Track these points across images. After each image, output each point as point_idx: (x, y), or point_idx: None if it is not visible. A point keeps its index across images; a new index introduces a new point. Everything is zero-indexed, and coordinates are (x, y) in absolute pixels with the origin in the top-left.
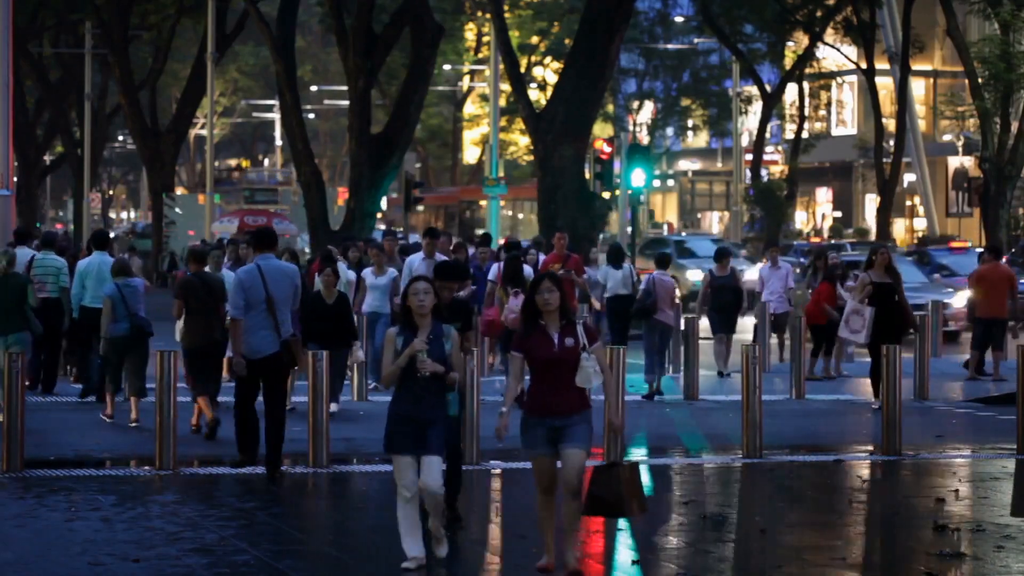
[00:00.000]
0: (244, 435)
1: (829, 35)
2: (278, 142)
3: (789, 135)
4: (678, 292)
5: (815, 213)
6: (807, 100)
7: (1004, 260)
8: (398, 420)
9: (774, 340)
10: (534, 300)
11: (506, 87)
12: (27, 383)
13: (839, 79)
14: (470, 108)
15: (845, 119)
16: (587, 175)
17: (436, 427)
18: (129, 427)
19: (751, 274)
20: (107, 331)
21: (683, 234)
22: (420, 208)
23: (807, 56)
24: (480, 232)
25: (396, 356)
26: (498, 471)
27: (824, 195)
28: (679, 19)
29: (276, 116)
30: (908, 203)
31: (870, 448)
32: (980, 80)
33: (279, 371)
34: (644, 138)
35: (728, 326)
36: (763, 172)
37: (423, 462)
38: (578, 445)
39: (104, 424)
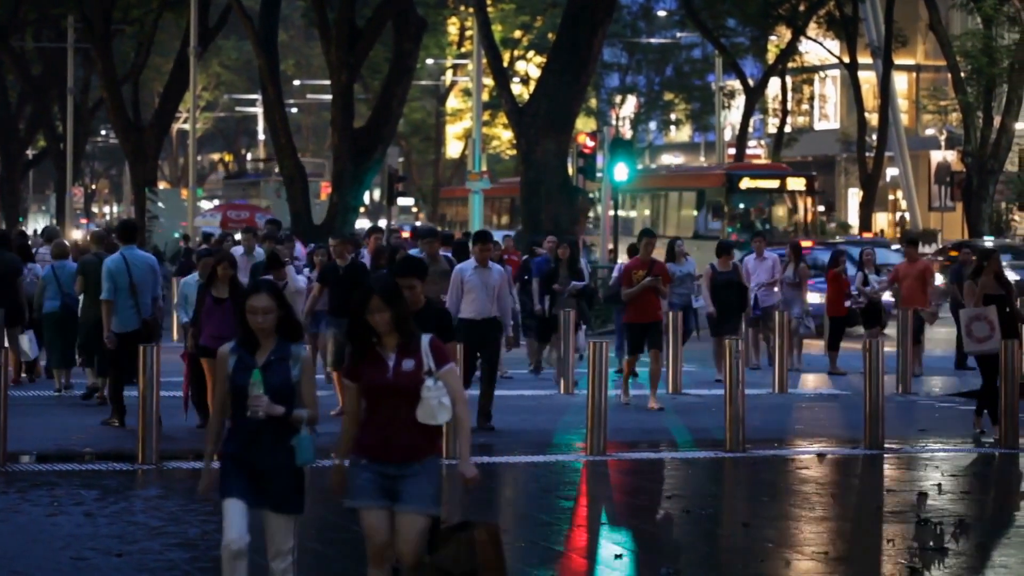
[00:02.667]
0: (118, 401)
1: (812, 29)
2: (261, 136)
3: (772, 129)
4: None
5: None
6: (790, 94)
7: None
8: (229, 462)
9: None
10: (363, 318)
11: (489, 81)
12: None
13: (822, 73)
14: (453, 102)
15: (828, 113)
16: (570, 169)
17: (279, 480)
18: (115, 425)
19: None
20: (41, 308)
21: None
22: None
23: (790, 50)
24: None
25: (228, 381)
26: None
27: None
28: (662, 13)
29: (259, 110)
30: (891, 197)
31: (853, 442)
32: (962, 74)
33: (137, 345)
34: (627, 132)
35: (731, 326)
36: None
37: (267, 522)
38: (415, 507)
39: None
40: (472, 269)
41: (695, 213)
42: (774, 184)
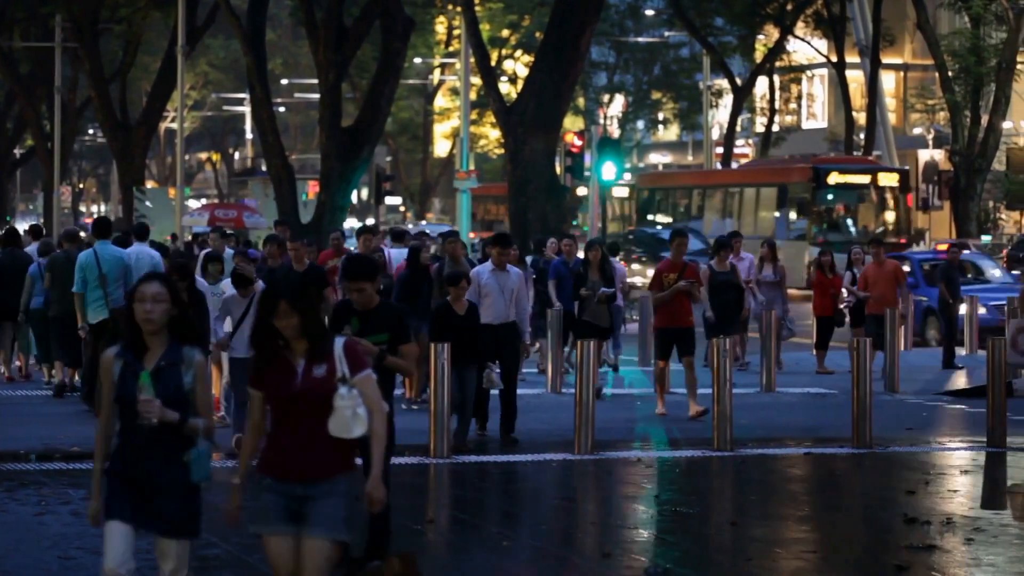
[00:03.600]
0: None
1: (799, 28)
2: (248, 135)
3: (760, 128)
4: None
5: None
6: (777, 93)
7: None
8: (114, 480)
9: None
10: (267, 322)
11: (477, 80)
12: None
13: (809, 72)
14: (441, 101)
15: (815, 112)
16: (558, 168)
17: (170, 500)
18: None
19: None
20: (26, 304)
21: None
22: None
23: (777, 49)
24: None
25: (113, 389)
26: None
27: None
28: (650, 12)
29: (247, 109)
30: None
31: (840, 441)
32: (950, 73)
33: (105, 334)
34: (615, 131)
35: (728, 328)
36: (733, 165)
37: (158, 546)
38: (323, 531)
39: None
40: (489, 272)
41: (775, 212)
42: (864, 179)
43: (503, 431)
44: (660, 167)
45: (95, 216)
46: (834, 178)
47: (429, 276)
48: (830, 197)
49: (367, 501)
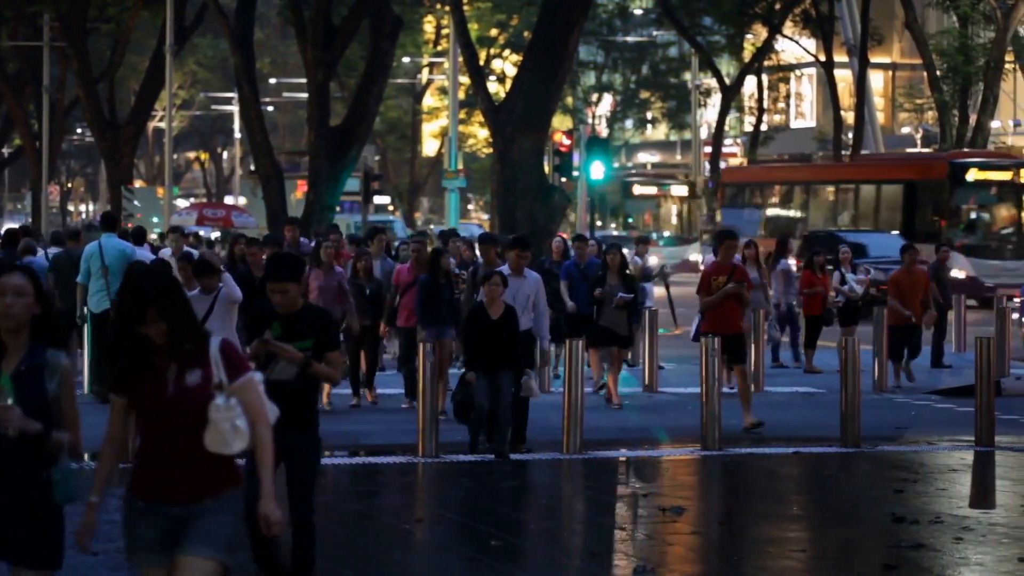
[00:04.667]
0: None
1: (788, 28)
2: (237, 135)
3: (748, 127)
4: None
5: None
6: (766, 93)
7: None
8: None
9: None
10: (132, 328)
11: (465, 80)
12: None
13: (798, 72)
14: (429, 101)
15: (804, 111)
16: (546, 168)
17: (27, 523)
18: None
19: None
20: None
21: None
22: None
23: (766, 49)
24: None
25: None
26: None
27: None
28: (638, 12)
29: (235, 109)
30: None
31: (829, 440)
32: (938, 73)
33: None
34: (603, 131)
35: None
36: (722, 164)
37: None
38: (204, 551)
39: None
40: (507, 278)
41: (902, 211)
42: (1005, 176)
43: (515, 437)
44: (648, 166)
45: (83, 215)
46: (973, 174)
47: (451, 281)
48: (968, 195)
49: (263, 524)
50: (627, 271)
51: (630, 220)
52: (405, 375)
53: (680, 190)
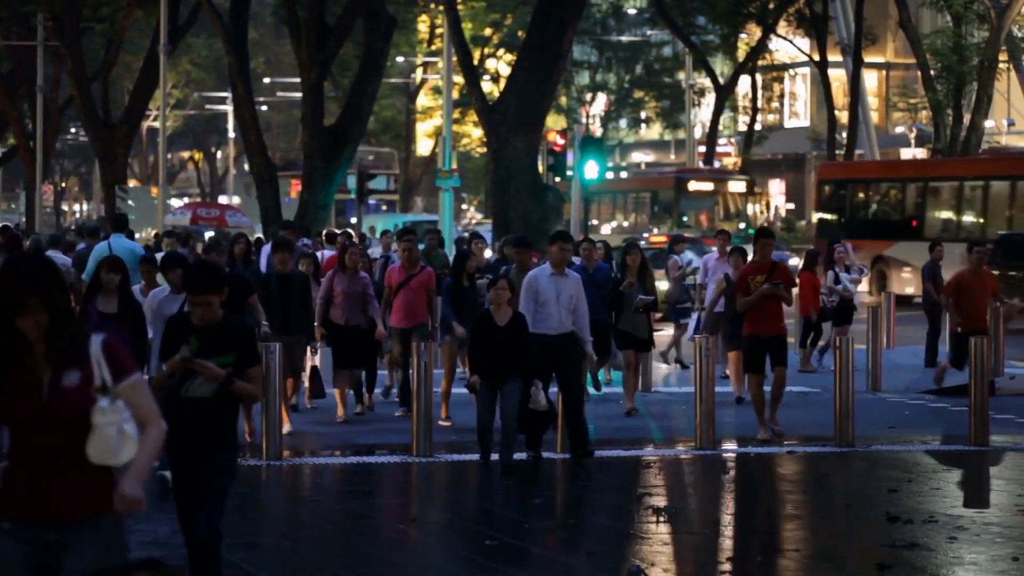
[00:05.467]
0: None
1: (782, 27)
2: (231, 134)
3: (742, 127)
4: None
5: (768, 205)
6: (760, 92)
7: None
8: None
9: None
10: (4, 320)
11: (459, 79)
12: None
13: (792, 71)
14: (423, 100)
15: (798, 111)
16: (540, 167)
17: None
18: None
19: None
20: None
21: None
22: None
23: (760, 48)
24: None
25: None
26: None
27: (777, 187)
28: (632, 11)
29: (229, 108)
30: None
31: (823, 439)
32: (932, 72)
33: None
34: (597, 130)
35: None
36: (716, 164)
37: None
38: None
39: None
40: (548, 276)
41: None
42: None
43: (574, 450)
44: (643, 166)
45: (77, 215)
46: None
47: (475, 284)
48: None
49: (117, 500)
50: (646, 272)
51: (684, 219)
52: (401, 380)
53: (737, 186)
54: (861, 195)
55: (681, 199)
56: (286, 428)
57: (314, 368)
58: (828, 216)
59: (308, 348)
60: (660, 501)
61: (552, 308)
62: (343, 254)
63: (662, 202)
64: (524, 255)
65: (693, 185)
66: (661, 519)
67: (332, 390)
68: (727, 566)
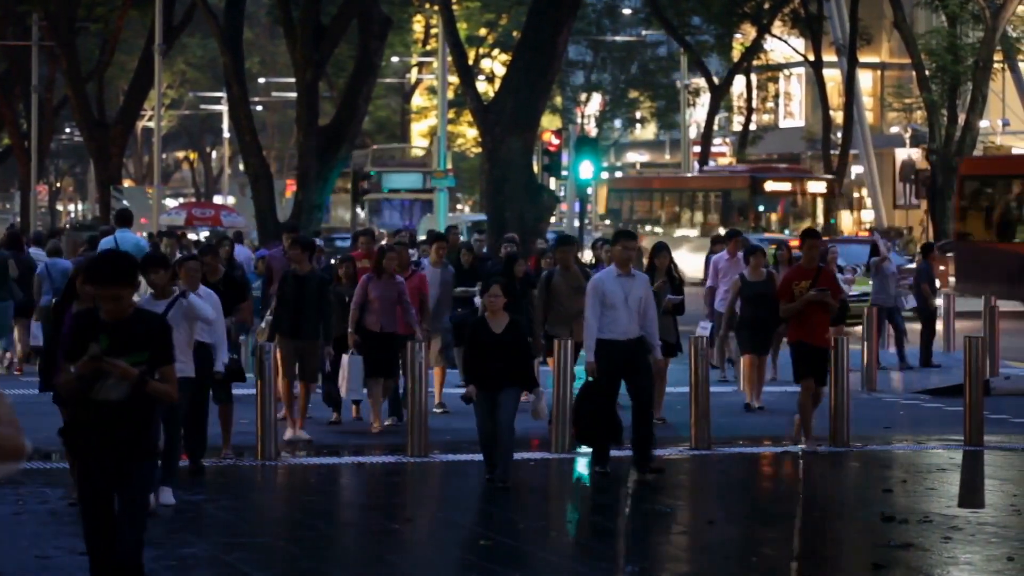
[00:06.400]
0: None
1: (777, 27)
2: (226, 134)
3: (737, 127)
4: None
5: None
6: (755, 92)
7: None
8: None
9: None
10: None
11: (454, 79)
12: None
13: (787, 71)
14: (418, 100)
15: (793, 111)
16: (535, 167)
17: None
18: None
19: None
20: (38, 301)
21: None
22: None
23: (755, 48)
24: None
25: None
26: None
27: None
28: (627, 11)
29: (224, 108)
30: (856, 195)
31: (818, 439)
32: (927, 72)
33: None
34: (592, 130)
35: (762, 345)
36: (711, 164)
37: None
38: None
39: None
40: (613, 278)
41: None
42: None
43: (639, 464)
44: (637, 166)
45: (71, 215)
46: None
47: (527, 288)
48: None
49: None
50: (674, 273)
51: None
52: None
53: (817, 186)
54: (1011, 193)
55: (757, 199)
56: (297, 435)
57: (328, 376)
58: (971, 216)
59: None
60: (655, 501)
61: (620, 311)
62: (380, 258)
63: (735, 203)
64: (567, 255)
65: (770, 185)
66: (656, 519)
67: (356, 398)
68: (721, 565)
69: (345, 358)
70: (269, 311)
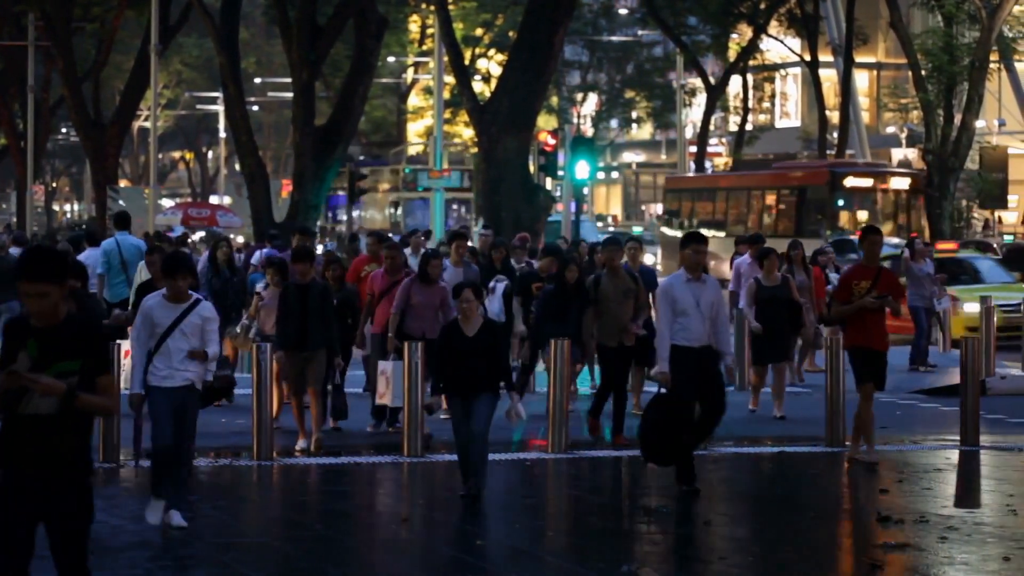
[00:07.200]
0: None
1: (773, 27)
2: (222, 134)
3: (733, 127)
4: None
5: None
6: (751, 92)
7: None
8: None
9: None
10: None
11: (450, 79)
12: None
13: (783, 71)
14: (414, 100)
15: (789, 111)
16: (531, 167)
17: None
18: None
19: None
20: None
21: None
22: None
23: (751, 48)
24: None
25: None
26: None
27: None
28: (623, 11)
29: (220, 108)
30: None
31: (814, 439)
32: (923, 72)
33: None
34: (588, 130)
35: (780, 352)
36: (707, 164)
37: None
38: None
39: None
40: (683, 282)
41: None
42: None
43: (686, 480)
44: (633, 166)
45: (68, 215)
46: None
47: (579, 293)
48: None
49: None
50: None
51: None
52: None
53: (900, 182)
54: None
55: (836, 197)
56: (300, 444)
57: (337, 387)
58: None
59: (335, 364)
60: (651, 501)
61: (692, 317)
62: (425, 264)
63: (811, 201)
64: (614, 256)
65: (851, 181)
66: (652, 519)
67: (399, 405)
68: (718, 566)
69: (386, 365)
70: (246, 315)
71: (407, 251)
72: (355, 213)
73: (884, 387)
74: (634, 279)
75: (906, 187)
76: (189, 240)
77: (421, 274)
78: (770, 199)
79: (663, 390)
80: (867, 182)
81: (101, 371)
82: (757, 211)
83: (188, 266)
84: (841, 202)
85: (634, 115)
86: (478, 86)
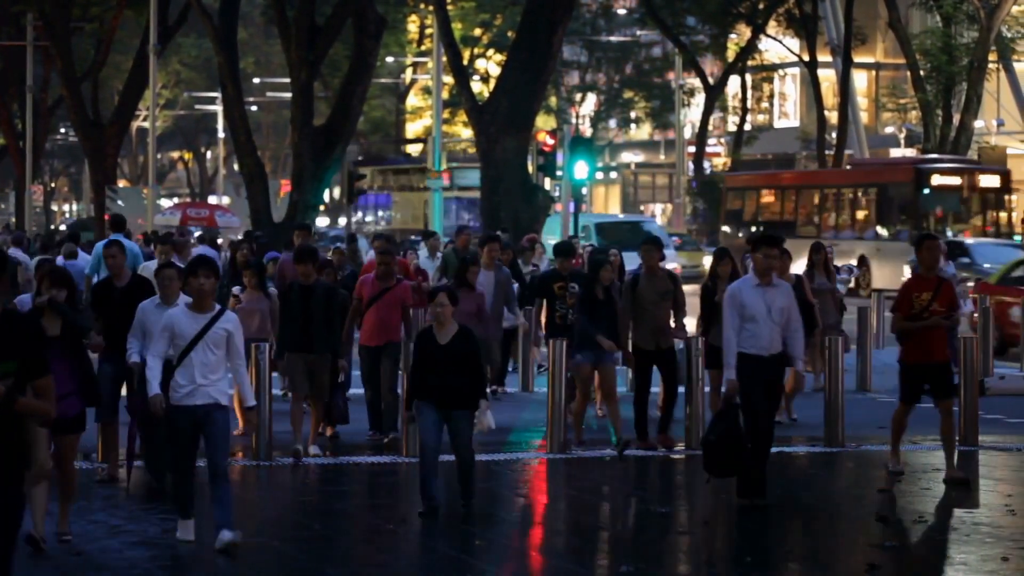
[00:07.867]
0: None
1: (771, 27)
2: (221, 134)
3: (731, 127)
4: None
5: None
6: (750, 92)
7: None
8: None
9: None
10: None
11: (449, 79)
12: None
13: (781, 71)
14: (413, 100)
15: (787, 111)
16: (530, 167)
17: None
18: None
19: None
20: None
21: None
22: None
23: (749, 48)
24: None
25: None
26: None
27: None
28: (622, 11)
29: (219, 108)
30: None
31: (813, 439)
32: (922, 72)
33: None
34: (587, 130)
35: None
36: (706, 164)
37: None
38: None
39: None
40: (752, 287)
41: None
42: None
43: (749, 493)
44: (632, 166)
45: (67, 215)
46: None
47: (612, 297)
48: None
49: None
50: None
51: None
52: (368, 400)
53: (990, 180)
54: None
55: (922, 195)
56: (313, 450)
57: (340, 386)
58: None
59: (338, 369)
60: (650, 501)
61: (762, 324)
62: (463, 271)
63: (895, 199)
64: (654, 256)
65: (938, 179)
66: (651, 519)
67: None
68: (717, 567)
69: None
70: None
71: (422, 253)
72: (380, 213)
73: (952, 395)
74: (673, 280)
75: (995, 184)
76: (219, 240)
77: (459, 280)
78: (847, 198)
79: (734, 402)
80: (955, 179)
81: (38, 374)
82: (831, 211)
83: (213, 267)
84: (927, 202)
85: (633, 115)
86: (477, 86)
